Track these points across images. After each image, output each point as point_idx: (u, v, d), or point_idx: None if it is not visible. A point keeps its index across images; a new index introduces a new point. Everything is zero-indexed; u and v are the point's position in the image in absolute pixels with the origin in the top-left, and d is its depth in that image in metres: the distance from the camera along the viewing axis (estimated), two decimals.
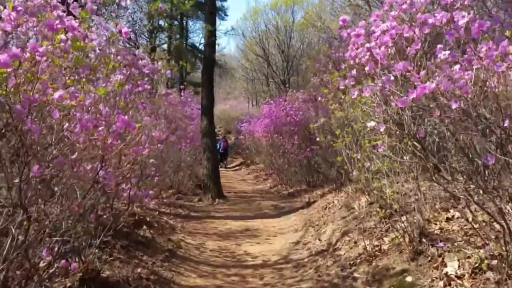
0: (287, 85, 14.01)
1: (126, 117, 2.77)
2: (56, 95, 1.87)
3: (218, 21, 19.55)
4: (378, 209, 4.39)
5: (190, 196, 9.26)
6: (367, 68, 2.62)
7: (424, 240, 3.33)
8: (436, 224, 3.64)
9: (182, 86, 9.79)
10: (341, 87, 3.22)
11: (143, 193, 3.76)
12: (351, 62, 3.10)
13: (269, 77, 23.14)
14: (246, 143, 16.33)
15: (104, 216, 4.14)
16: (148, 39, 19.33)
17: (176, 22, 19.30)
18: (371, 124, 2.56)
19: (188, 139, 9.90)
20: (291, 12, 22.67)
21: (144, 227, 4.64)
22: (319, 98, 5.41)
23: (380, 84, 2.78)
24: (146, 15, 18.17)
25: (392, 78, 2.45)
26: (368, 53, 2.80)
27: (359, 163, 4.11)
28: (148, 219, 4.94)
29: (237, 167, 17.47)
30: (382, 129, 2.53)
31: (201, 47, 17.99)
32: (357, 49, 2.81)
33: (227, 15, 16.54)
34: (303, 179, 9.72)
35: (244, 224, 6.27)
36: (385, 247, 3.77)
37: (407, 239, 3.52)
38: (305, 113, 9.17)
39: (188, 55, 19.40)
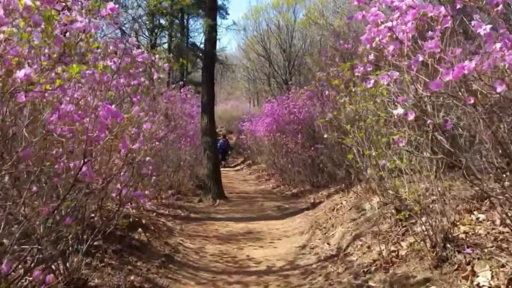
0: (290, 82, 13.67)
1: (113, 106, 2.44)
2: (21, 73, 1.54)
3: (219, 21, 19.27)
4: (393, 211, 4.06)
5: (190, 196, 8.93)
6: (390, 48, 2.27)
7: (449, 245, 2.98)
8: (459, 227, 3.30)
9: (181, 83, 9.42)
10: (357, 74, 2.89)
11: (137, 193, 3.42)
12: (368, 46, 2.77)
13: (270, 76, 22.92)
14: (248, 142, 16.02)
15: (95, 218, 3.83)
16: (148, 38, 19.07)
17: (177, 21, 19.02)
18: (399, 111, 2.21)
19: (188, 137, 9.58)
20: (293, 11, 22.45)
21: (139, 229, 4.30)
22: (327, 92, 5.08)
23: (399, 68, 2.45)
24: (146, 12, 17.92)
25: (420, 58, 2.12)
26: (389, 34, 2.46)
27: (373, 160, 3.77)
28: (143, 221, 4.60)
29: (239, 167, 17.15)
30: (411, 117, 2.18)
31: (202, 46, 17.66)
32: (377, 28, 2.47)
33: (228, 14, 16.27)
34: (307, 179, 9.40)
35: (246, 226, 5.93)
36: (402, 252, 3.42)
37: (428, 244, 3.17)
38: (309, 109, 8.85)
39: (189, 54, 19.07)
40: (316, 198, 7.33)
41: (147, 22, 19.06)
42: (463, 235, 3.17)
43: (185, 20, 19.72)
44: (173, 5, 14.00)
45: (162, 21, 18.94)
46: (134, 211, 4.83)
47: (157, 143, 6.10)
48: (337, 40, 5.98)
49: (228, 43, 59.60)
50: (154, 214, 5.91)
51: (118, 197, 3.11)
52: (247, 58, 25.31)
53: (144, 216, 4.84)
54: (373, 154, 3.64)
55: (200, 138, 9.09)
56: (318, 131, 8.53)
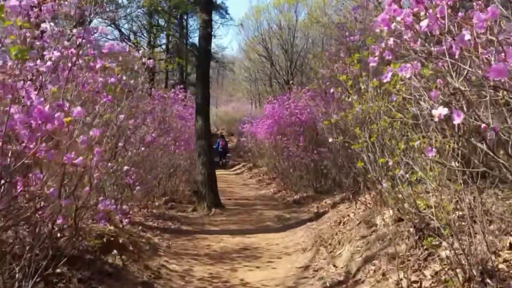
0: (292, 82, 13.10)
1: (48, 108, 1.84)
2: None
3: (220, 20, 18.76)
4: (411, 229, 3.44)
5: (185, 204, 8.34)
6: (422, 24, 1.67)
7: (489, 281, 2.36)
8: (497, 253, 2.69)
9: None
10: (372, 64, 2.29)
11: (99, 215, 2.82)
12: (385, 28, 2.17)
13: (272, 77, 22.56)
14: (249, 145, 15.46)
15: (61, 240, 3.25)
16: (146, 38, 18.54)
17: (175, 21, 18.49)
18: (441, 111, 1.60)
19: (182, 141, 9.01)
20: (295, 10, 22.05)
21: (114, 251, 3.69)
22: (332, 90, 4.49)
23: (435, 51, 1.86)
24: (143, 12, 17.43)
25: (467, 37, 1.52)
26: (416, 9, 1.86)
27: (390, 171, 3.15)
28: (121, 240, 4.00)
29: (239, 171, 16.56)
30: (458, 120, 1.57)
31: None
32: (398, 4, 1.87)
33: (228, 13, 15.57)
34: (309, 184, 8.85)
35: (242, 241, 5.32)
36: (426, 284, 2.81)
37: (460, 276, 2.56)
38: (312, 110, 8.27)
39: (188, 55, 18.50)
40: (320, 207, 6.72)
41: (145, 22, 18.56)
42: (503, 265, 2.56)
43: (184, 21, 19.20)
44: (169, 2, 13.45)
45: (161, 22, 18.43)
46: (112, 227, 4.24)
47: (142, 148, 5.54)
48: (342, 32, 5.35)
49: (229, 43, 59.09)
50: (140, 228, 5.33)
51: (74, 223, 2.51)
52: (248, 59, 24.95)
53: (124, 233, 4.24)
54: (390, 163, 3.02)
55: (195, 141, 8.46)
56: (321, 134, 7.95)
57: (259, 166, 14.84)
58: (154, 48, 17.40)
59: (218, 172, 15.21)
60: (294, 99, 9.49)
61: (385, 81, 2.48)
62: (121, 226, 4.30)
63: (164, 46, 18.90)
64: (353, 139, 4.14)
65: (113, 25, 17.03)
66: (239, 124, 19.05)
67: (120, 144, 4.34)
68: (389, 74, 2.41)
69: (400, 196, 3.55)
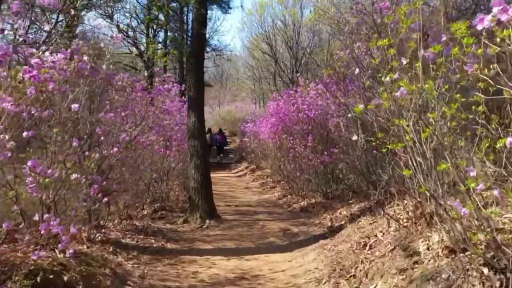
0: (298, 75, 12.03)
1: None
2: None
3: (222, 16, 17.79)
4: (483, 269, 2.33)
5: (176, 213, 7.28)
6: None
7: None
8: None
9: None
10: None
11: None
12: None
13: (276, 75, 21.71)
14: (252, 145, 14.43)
15: None
16: (145, 33, 17.59)
17: (176, 16, 17.51)
18: None
19: (174, 141, 7.97)
20: (300, 6, 21.19)
21: None
22: (357, 71, 3.39)
23: None
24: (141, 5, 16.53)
25: None
26: None
27: (458, 184, 2.04)
28: (67, 276, 2.91)
29: (241, 173, 15.53)
30: None
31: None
32: None
33: (230, 8, 14.43)
34: (318, 189, 7.80)
35: (239, 266, 4.21)
36: None
37: None
38: (323, 104, 7.19)
39: (188, 49, 17.47)
40: (334, 219, 5.62)
41: (143, 17, 17.58)
42: None
43: (184, 15, 18.23)
44: None
45: (161, 17, 17.48)
46: (61, 255, 3.15)
47: (115, 149, 4.47)
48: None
49: (232, 40, 57.75)
50: (111, 248, 4.25)
51: None
52: (252, 57, 24.17)
53: (74, 265, 3.13)
54: (472, 173, 1.91)
55: (187, 140, 7.36)
56: (334, 132, 6.86)
57: (263, 168, 13.87)
58: (153, 42, 16.42)
59: (219, 175, 14.15)
60: (302, 94, 8.42)
61: (479, 28, 1.39)
62: (63, 255, 3.17)
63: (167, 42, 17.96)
64: (387, 136, 3.04)
65: (109, 20, 16.10)
66: (241, 124, 18.09)
67: (74, 144, 3.27)
68: (491, 15, 1.32)
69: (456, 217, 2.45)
